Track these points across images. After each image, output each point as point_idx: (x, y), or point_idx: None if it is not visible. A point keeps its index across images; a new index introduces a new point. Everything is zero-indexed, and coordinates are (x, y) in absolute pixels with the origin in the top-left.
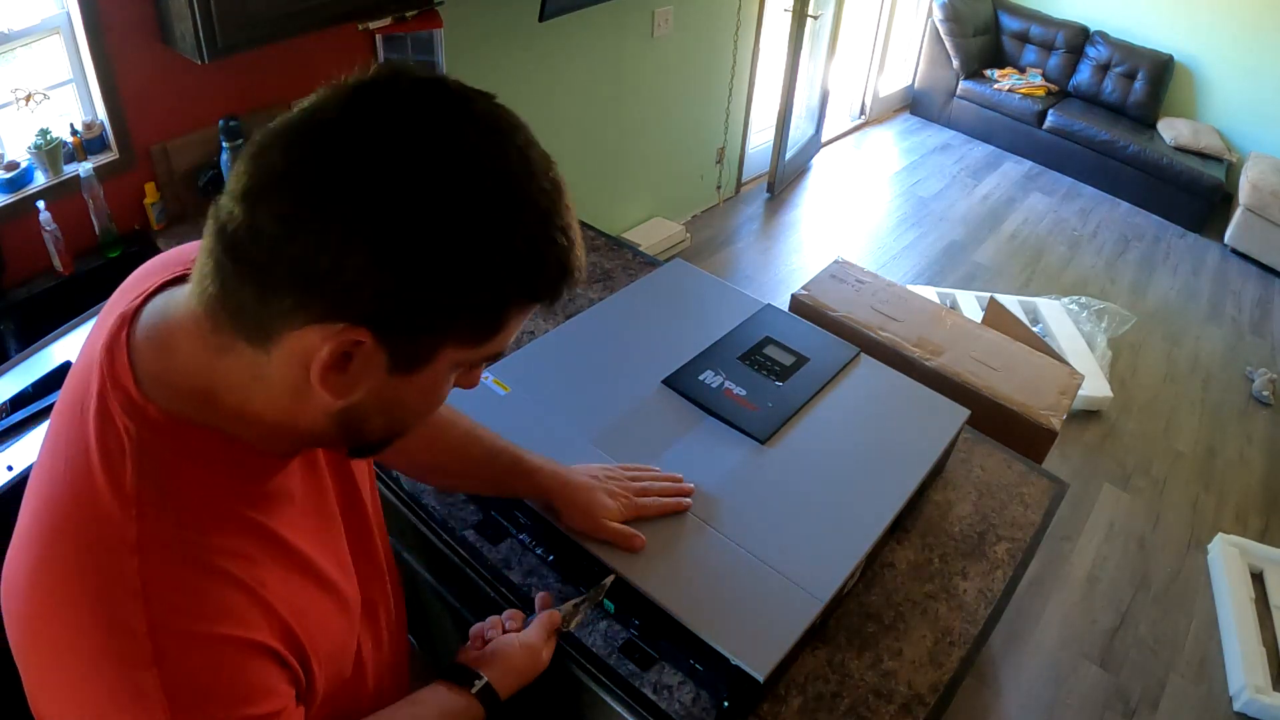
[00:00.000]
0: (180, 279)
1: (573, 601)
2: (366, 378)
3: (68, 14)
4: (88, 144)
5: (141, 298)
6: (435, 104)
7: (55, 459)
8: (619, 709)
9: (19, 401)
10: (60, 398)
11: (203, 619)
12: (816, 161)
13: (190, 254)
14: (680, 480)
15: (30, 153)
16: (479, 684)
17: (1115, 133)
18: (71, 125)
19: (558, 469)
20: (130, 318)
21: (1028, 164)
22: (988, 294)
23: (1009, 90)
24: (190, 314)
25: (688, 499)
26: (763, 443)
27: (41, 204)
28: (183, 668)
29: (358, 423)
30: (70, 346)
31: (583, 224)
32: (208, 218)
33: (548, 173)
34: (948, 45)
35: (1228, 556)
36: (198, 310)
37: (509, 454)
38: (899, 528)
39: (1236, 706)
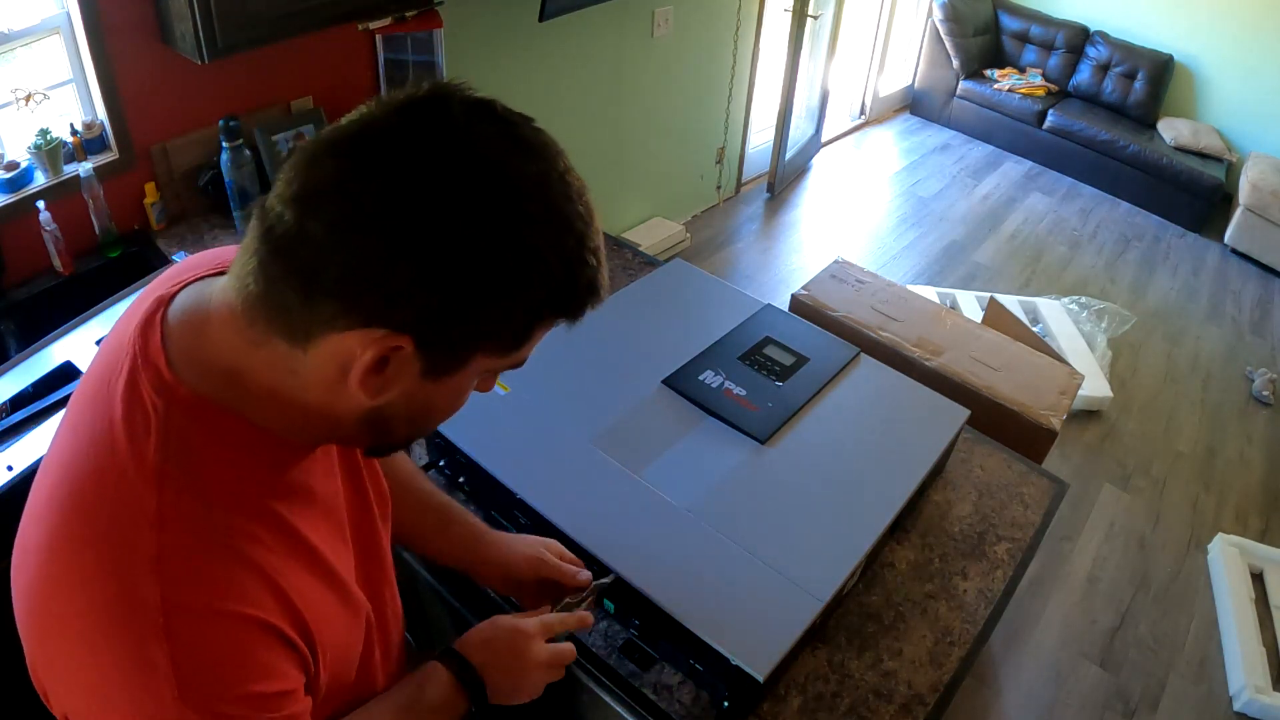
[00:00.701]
0: (219, 274)
1: (568, 600)
2: (401, 381)
3: (68, 14)
4: (88, 144)
5: (179, 285)
6: (485, 126)
7: (76, 435)
8: (619, 709)
9: (19, 401)
10: (83, 380)
11: (217, 595)
12: (816, 161)
13: (231, 256)
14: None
15: (30, 153)
16: (461, 664)
17: (1115, 133)
18: (71, 125)
19: (486, 532)
20: (167, 301)
21: (1028, 164)
22: (988, 294)
23: (1009, 90)
24: (226, 306)
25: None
26: (763, 443)
27: (41, 204)
28: (193, 643)
29: (384, 423)
30: (70, 346)
31: None
32: (252, 218)
33: (583, 197)
34: (948, 45)
35: (1228, 556)
36: (235, 305)
37: (449, 504)
38: (899, 528)
39: (1236, 706)
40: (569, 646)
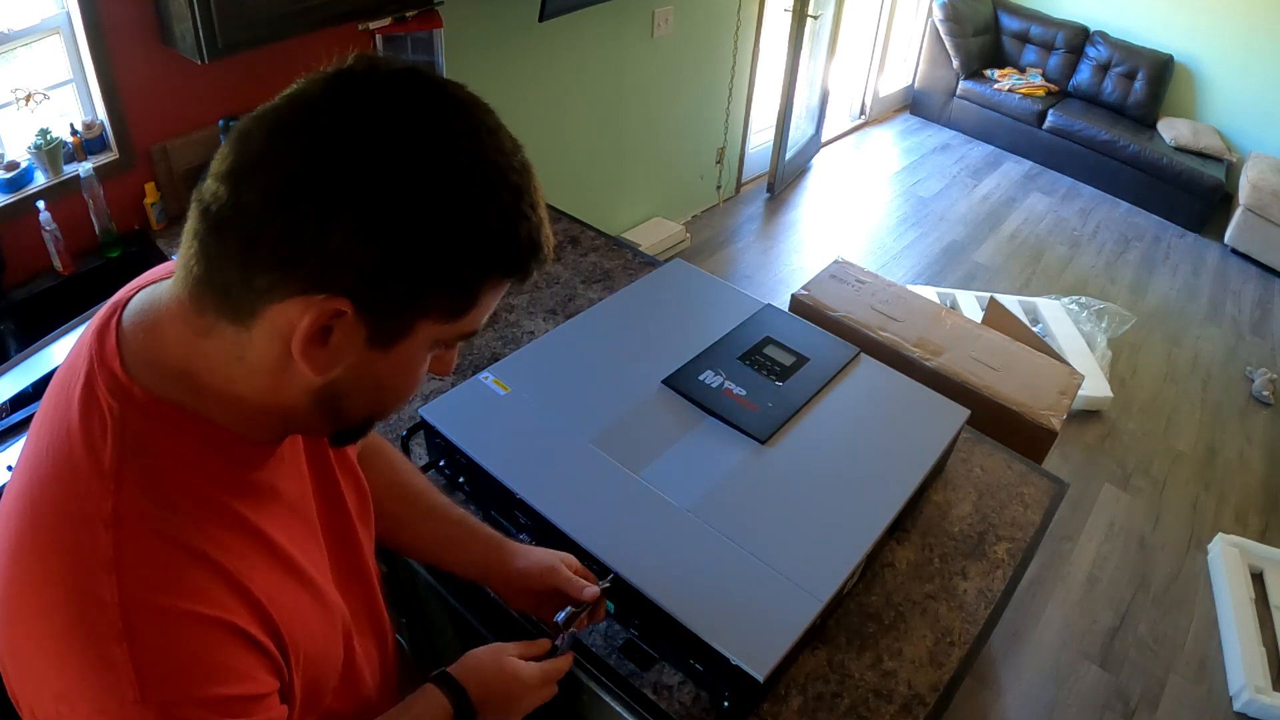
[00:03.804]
0: (169, 279)
1: (571, 610)
2: (347, 352)
3: (68, 14)
4: (88, 144)
5: (133, 291)
6: (411, 88)
7: (38, 441)
8: (619, 709)
9: (19, 401)
10: (49, 389)
11: (176, 595)
12: (816, 161)
13: None
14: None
15: (30, 153)
16: (458, 695)
17: (1115, 133)
18: (71, 125)
19: (504, 542)
20: (122, 305)
21: (1028, 164)
22: (988, 294)
23: (1009, 90)
24: (175, 299)
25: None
26: (763, 443)
27: (41, 204)
28: (153, 642)
29: (337, 400)
30: (70, 347)
31: (583, 224)
32: (191, 203)
33: (517, 153)
34: (948, 45)
35: (1228, 556)
36: (182, 295)
37: (463, 517)
38: (899, 528)
39: (1236, 706)
40: (554, 690)
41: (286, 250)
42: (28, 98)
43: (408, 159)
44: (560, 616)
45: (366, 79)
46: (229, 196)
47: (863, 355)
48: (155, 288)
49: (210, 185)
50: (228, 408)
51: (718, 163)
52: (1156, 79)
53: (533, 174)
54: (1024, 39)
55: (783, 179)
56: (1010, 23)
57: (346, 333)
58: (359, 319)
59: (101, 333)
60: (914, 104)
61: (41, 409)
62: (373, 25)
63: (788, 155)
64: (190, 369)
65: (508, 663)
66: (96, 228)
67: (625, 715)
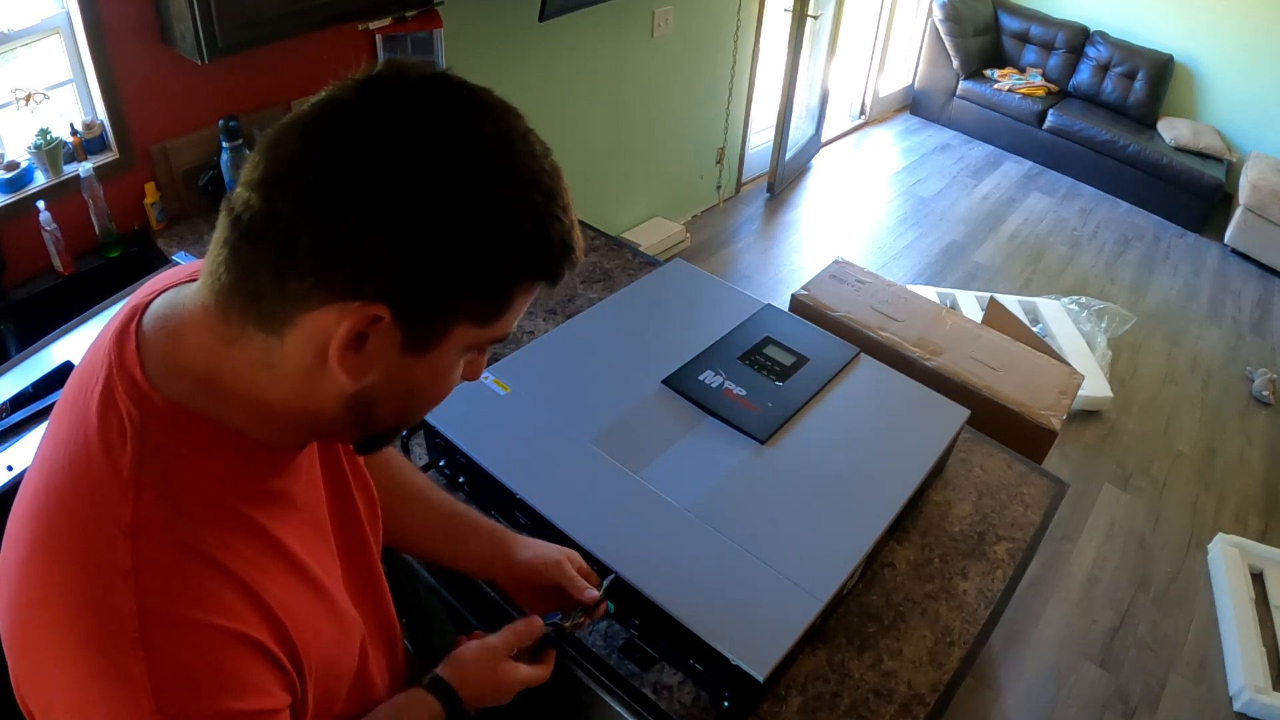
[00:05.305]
0: (194, 282)
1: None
2: (382, 358)
3: (68, 14)
4: (88, 144)
5: (154, 294)
6: (443, 92)
7: (55, 446)
8: (619, 709)
9: (19, 401)
10: (64, 392)
11: (194, 606)
12: (816, 161)
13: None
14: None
15: (30, 153)
16: (429, 678)
17: (1115, 133)
18: (71, 125)
19: (507, 534)
20: (142, 310)
21: (1028, 164)
22: (988, 294)
23: (1009, 90)
24: (200, 306)
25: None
26: (763, 443)
27: (41, 204)
28: (170, 653)
29: (369, 407)
30: (70, 346)
31: (583, 224)
32: (220, 212)
33: (548, 156)
34: (948, 45)
35: (1228, 556)
36: (209, 302)
37: (465, 512)
38: (899, 528)
39: (1236, 706)
40: (549, 669)
41: (321, 257)
42: (28, 98)
43: (441, 163)
44: (556, 617)
45: (397, 84)
46: (261, 204)
47: (863, 355)
48: (178, 292)
49: (241, 193)
50: (252, 415)
51: (718, 163)
52: (1156, 79)
53: (562, 177)
54: (1024, 39)
55: (783, 179)
56: (1010, 23)
57: (382, 338)
58: (395, 324)
59: (121, 337)
60: (914, 104)
61: (57, 412)
62: (373, 25)
63: (788, 155)
64: (214, 376)
65: (503, 669)
66: (96, 228)
67: (625, 715)
